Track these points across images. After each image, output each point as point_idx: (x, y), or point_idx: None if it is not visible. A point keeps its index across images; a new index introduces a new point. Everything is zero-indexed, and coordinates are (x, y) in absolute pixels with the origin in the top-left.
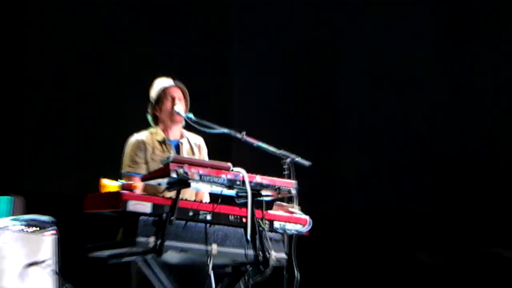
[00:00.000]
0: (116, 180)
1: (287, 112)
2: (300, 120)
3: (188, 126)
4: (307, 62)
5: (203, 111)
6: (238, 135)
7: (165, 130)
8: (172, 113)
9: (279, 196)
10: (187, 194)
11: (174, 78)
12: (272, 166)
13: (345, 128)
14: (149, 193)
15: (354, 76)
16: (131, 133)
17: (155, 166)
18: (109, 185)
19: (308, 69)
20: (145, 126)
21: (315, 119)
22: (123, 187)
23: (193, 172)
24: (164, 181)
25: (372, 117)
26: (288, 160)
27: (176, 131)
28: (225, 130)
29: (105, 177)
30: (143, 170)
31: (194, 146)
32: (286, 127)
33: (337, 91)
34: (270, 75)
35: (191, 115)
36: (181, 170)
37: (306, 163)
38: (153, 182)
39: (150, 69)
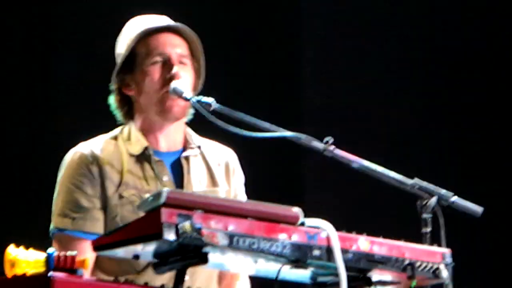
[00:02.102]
0: (42, 247)
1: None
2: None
3: (201, 126)
4: None
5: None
6: (317, 144)
7: (148, 131)
8: (166, 96)
9: (413, 285)
10: (200, 278)
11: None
12: (389, 216)
13: None
14: (113, 276)
15: None
16: (72, 141)
17: (126, 214)
18: (24, 259)
19: None
20: (105, 127)
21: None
22: (54, 263)
23: (215, 228)
24: (147, 251)
25: None
26: (431, 201)
27: (175, 134)
28: (287, 134)
29: (17, 240)
30: (96, 224)
31: (217, 167)
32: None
33: None
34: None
35: (209, 101)
36: (187, 225)
37: (475, 207)
38: (121, 252)
39: None
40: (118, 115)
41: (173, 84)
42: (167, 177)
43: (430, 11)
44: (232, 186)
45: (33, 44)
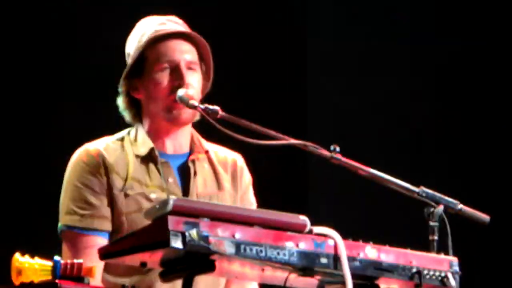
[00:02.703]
0: (48, 255)
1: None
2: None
3: (208, 132)
4: None
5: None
6: (323, 152)
7: (155, 134)
8: (173, 103)
9: None
10: (204, 285)
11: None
12: (396, 224)
13: None
14: (119, 277)
15: None
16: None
17: (133, 211)
18: (31, 265)
19: None
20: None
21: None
22: (61, 270)
23: (222, 236)
24: (155, 259)
25: None
26: (438, 209)
27: (181, 138)
28: (293, 141)
29: (24, 247)
30: (104, 222)
31: (223, 171)
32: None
33: None
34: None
35: (216, 108)
36: (193, 233)
37: (483, 216)
38: (128, 260)
39: None
40: (127, 116)
41: (180, 92)
42: (172, 179)
43: (436, 14)
44: (239, 191)
45: (39, 43)
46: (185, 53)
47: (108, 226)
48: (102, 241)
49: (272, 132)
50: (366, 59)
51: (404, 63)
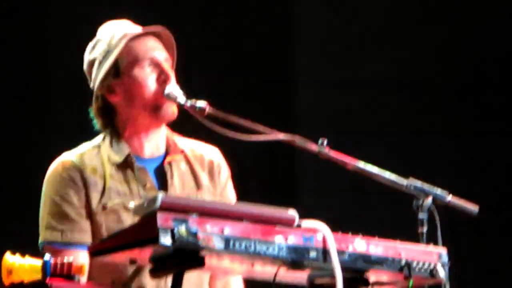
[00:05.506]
0: (38, 254)
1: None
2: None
3: (189, 127)
4: None
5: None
6: (311, 146)
7: (132, 137)
8: (161, 100)
9: (410, 285)
10: (189, 282)
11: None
12: (385, 216)
13: None
14: (107, 282)
15: None
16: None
17: (111, 224)
18: (21, 265)
19: None
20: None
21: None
22: (51, 270)
23: (211, 232)
24: (144, 255)
25: None
26: (427, 200)
27: (158, 138)
28: (281, 136)
29: (14, 247)
30: (85, 235)
31: (200, 169)
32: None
33: None
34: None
35: (203, 105)
36: (182, 229)
37: (471, 207)
38: (118, 257)
39: None
40: (98, 123)
41: (168, 89)
42: (150, 184)
43: (424, 17)
44: (218, 185)
45: (17, 54)
46: (161, 50)
47: (88, 238)
48: (83, 254)
49: (260, 127)
50: (355, 54)
51: (393, 58)
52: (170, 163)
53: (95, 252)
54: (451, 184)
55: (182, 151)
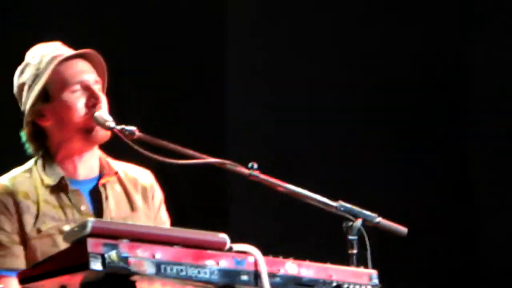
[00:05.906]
0: None
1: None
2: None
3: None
4: None
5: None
6: (242, 170)
7: (65, 159)
8: (91, 124)
9: None
10: None
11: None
12: (316, 239)
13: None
14: None
15: None
16: None
17: (46, 248)
18: None
19: None
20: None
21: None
22: None
23: (142, 257)
24: (74, 282)
25: None
26: (357, 222)
27: (92, 161)
28: (211, 160)
29: None
30: (17, 260)
31: (134, 191)
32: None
33: None
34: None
35: (132, 129)
36: (113, 254)
37: (400, 228)
38: (48, 284)
39: None
40: (30, 148)
41: (97, 114)
42: (84, 206)
43: (359, 22)
44: (152, 208)
45: None
46: (90, 72)
47: (21, 264)
48: (15, 281)
49: (190, 152)
50: (286, 76)
51: (319, 77)
52: (104, 185)
53: (24, 279)
54: (382, 205)
55: (116, 173)
